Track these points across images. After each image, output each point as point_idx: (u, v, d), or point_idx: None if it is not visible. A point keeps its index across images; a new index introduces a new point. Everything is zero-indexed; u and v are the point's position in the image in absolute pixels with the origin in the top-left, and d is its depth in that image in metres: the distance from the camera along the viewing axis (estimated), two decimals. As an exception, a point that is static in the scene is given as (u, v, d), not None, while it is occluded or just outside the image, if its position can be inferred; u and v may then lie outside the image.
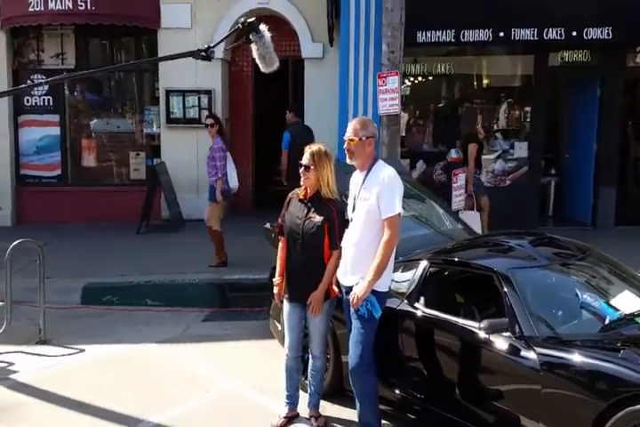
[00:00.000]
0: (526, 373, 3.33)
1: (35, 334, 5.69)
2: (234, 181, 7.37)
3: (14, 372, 5.08)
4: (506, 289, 3.66)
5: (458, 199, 6.73)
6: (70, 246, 8.42)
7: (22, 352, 5.47)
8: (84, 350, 5.51)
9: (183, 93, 9.92)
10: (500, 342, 3.49)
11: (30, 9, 9.24)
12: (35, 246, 5.90)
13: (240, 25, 3.67)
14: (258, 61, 3.70)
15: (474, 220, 7.49)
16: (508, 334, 3.49)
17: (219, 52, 9.42)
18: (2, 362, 5.28)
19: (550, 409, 3.22)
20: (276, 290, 4.23)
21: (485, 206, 7.93)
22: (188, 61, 9.56)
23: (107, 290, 6.83)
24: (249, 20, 3.60)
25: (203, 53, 3.74)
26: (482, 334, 3.57)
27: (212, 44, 3.77)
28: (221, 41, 3.80)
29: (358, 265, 3.82)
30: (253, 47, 3.62)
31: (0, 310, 5.95)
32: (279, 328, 4.94)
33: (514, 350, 3.42)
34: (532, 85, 9.41)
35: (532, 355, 3.33)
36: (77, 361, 5.33)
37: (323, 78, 9.57)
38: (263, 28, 3.58)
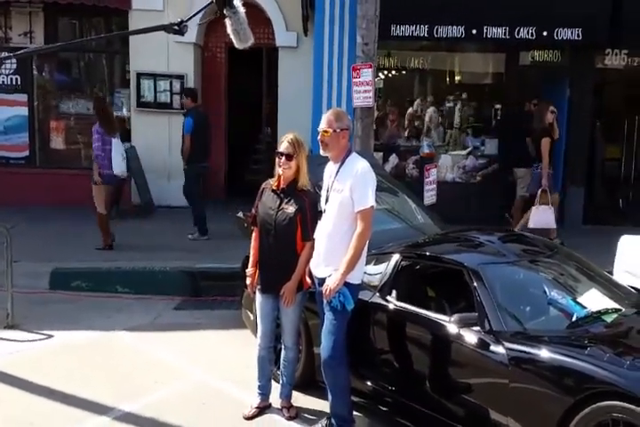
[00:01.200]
0: (495, 367, 3.41)
1: (2, 318, 5.61)
2: (118, 167, 7.47)
3: (-20, 357, 5.02)
4: (476, 284, 3.75)
5: (429, 194, 6.81)
6: (38, 230, 8.29)
7: (-11, 337, 5.41)
8: (52, 336, 5.46)
9: (154, 77, 9.80)
10: (470, 336, 3.57)
11: (-2, -15, 9.02)
12: (2, 229, 5.80)
13: (214, 0, 3.61)
14: (232, 37, 3.67)
15: (549, 215, 7.56)
16: (477, 328, 3.58)
17: (191, 37, 9.32)
18: (-33, 347, 5.22)
19: (518, 404, 3.31)
20: (248, 280, 4.23)
21: (555, 203, 7.92)
22: (159, 44, 9.61)
23: (76, 275, 6.75)
24: None
25: (175, 27, 3.67)
26: (452, 328, 3.65)
27: (184, 19, 3.70)
28: (194, 15, 3.71)
29: (331, 257, 3.86)
30: (227, 22, 3.58)
31: (-35, 295, 5.87)
32: (251, 318, 4.97)
33: (483, 345, 3.50)
34: (502, 83, 9.55)
35: (500, 349, 3.42)
36: (46, 347, 5.28)
37: (297, 67, 9.56)
38: (237, 3, 3.54)
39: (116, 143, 7.49)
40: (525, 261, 4.17)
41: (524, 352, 3.35)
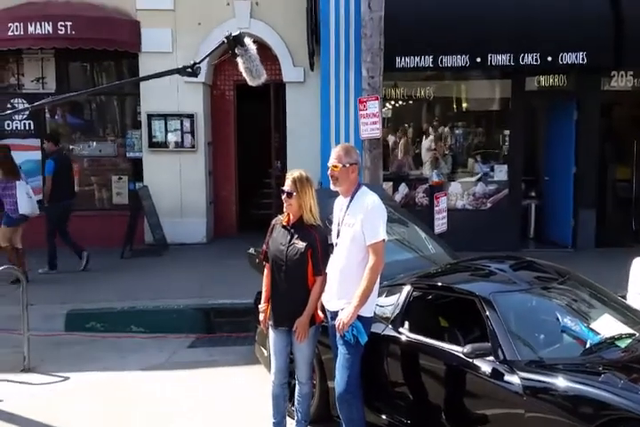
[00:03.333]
0: (510, 397, 3.37)
1: (19, 361, 5.64)
2: (24, 208, 7.89)
3: (-1, 401, 5.04)
4: (488, 313, 3.73)
5: (440, 222, 6.82)
6: (52, 272, 8.37)
7: (7, 380, 5.42)
8: (68, 378, 5.47)
9: (165, 117, 9.97)
10: (484, 367, 3.54)
11: (10, 33, 9.22)
12: (17, 273, 5.88)
13: (225, 39, 3.69)
14: (245, 75, 3.72)
15: None
16: (491, 358, 3.55)
17: (201, 76, 9.51)
18: (-14, 391, 5.24)
19: (535, 434, 3.26)
20: (261, 316, 4.25)
21: None
22: (169, 85, 9.82)
23: (90, 316, 6.79)
24: (234, 34, 3.62)
25: (189, 70, 3.76)
26: (465, 359, 3.62)
27: (196, 61, 3.77)
28: (207, 56, 3.81)
29: (344, 290, 3.87)
30: (239, 61, 3.64)
31: (-17, 339, 5.92)
32: (265, 354, 4.96)
33: (497, 375, 3.47)
34: (509, 109, 9.61)
35: (515, 379, 3.39)
36: (62, 389, 5.29)
37: (304, 101, 9.70)
38: (248, 41, 3.60)
39: (20, 185, 7.90)
40: (537, 289, 4.15)
41: (539, 381, 3.32)
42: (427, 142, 9.98)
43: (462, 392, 3.70)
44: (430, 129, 10.05)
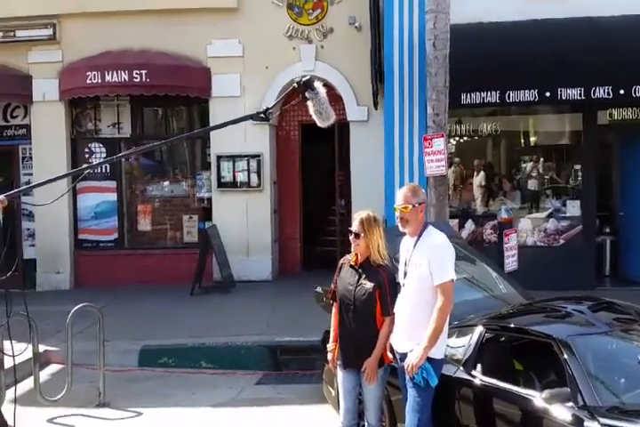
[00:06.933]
0: (590, 444, 3.24)
1: (94, 396, 5.81)
2: None
3: (75, 436, 5.19)
4: (566, 357, 3.60)
5: (510, 260, 6.67)
6: (127, 309, 8.62)
7: (83, 415, 5.58)
8: (141, 414, 5.58)
9: (233, 158, 10.26)
10: (562, 413, 3.40)
11: (88, 81, 9.74)
12: (94, 311, 6.10)
13: (295, 84, 3.81)
14: (314, 117, 3.82)
15: None
16: (570, 403, 3.42)
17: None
18: (64, 425, 5.40)
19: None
20: (329, 356, 4.25)
21: None
22: (237, 126, 9.93)
23: (163, 352, 6.94)
24: (304, 79, 3.74)
25: (262, 115, 3.90)
26: (543, 404, 3.49)
27: (269, 106, 3.91)
28: (278, 101, 3.96)
29: (412, 331, 3.83)
30: (310, 104, 3.74)
31: (61, 373, 6.12)
32: (333, 394, 4.92)
33: (577, 421, 3.32)
34: (581, 143, 9.36)
35: (595, 426, 3.24)
36: (136, 425, 5.40)
37: (368, 140, 9.81)
38: (318, 84, 3.71)
39: None
40: (617, 331, 3.99)
41: (622, 428, 3.17)
42: (494, 178, 9.86)
43: (539, 438, 3.56)
44: (497, 164, 9.94)
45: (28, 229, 10.64)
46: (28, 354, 5.55)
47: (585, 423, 3.29)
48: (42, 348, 6.25)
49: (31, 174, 10.40)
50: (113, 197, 10.65)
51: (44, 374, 6.35)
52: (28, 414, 5.47)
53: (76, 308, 5.79)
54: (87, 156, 10.59)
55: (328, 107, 3.75)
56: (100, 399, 5.80)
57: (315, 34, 10.11)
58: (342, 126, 10.38)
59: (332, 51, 10.08)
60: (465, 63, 7.94)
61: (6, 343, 5.28)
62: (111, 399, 5.83)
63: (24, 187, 6.15)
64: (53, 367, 6.75)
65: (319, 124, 3.89)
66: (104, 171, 10.62)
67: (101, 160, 10.51)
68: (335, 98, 10.02)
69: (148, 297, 8.90)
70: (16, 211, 10.44)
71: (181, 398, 5.92)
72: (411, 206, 3.90)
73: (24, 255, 10.54)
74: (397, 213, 3.94)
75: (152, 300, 9.02)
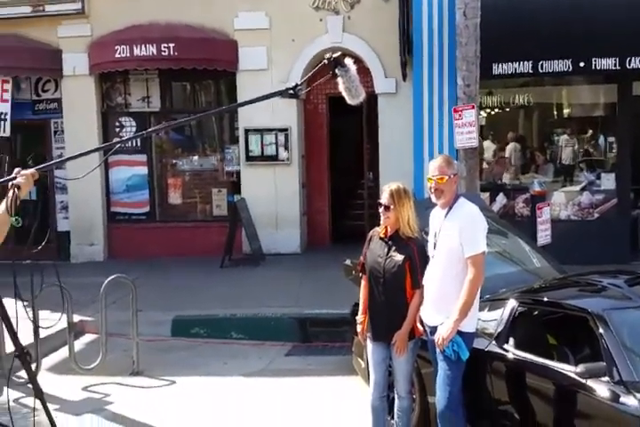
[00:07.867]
0: (626, 420, 3.19)
1: (129, 365, 5.96)
2: None
3: (110, 403, 5.33)
4: (602, 331, 3.54)
5: (543, 234, 6.58)
6: (159, 280, 8.76)
7: (117, 384, 5.73)
8: (174, 382, 5.72)
9: (261, 132, 10.26)
10: (598, 388, 3.36)
11: (117, 55, 9.77)
12: (127, 282, 6.22)
13: (326, 60, 3.78)
14: (344, 94, 3.78)
15: None
16: (605, 378, 3.38)
17: (296, 91, 9.75)
18: (99, 393, 5.56)
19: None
20: (359, 328, 4.26)
21: None
22: (265, 101, 10.06)
23: (194, 323, 7.08)
24: (334, 56, 3.71)
25: (291, 91, 3.88)
26: (577, 379, 3.44)
27: (298, 82, 3.87)
28: (307, 77, 3.94)
29: (442, 304, 3.81)
30: (340, 81, 3.70)
31: (96, 343, 6.30)
32: (362, 366, 4.96)
33: (613, 396, 3.29)
34: (615, 115, 9.16)
35: (631, 401, 3.20)
36: (169, 393, 5.54)
37: (397, 112, 9.70)
38: (348, 61, 3.67)
39: None
40: (655, 305, 3.93)
41: (658, 403, 3.13)
42: (526, 151, 9.71)
43: (573, 414, 3.54)
44: (529, 137, 9.78)
45: (62, 202, 10.79)
46: (63, 324, 5.71)
47: (621, 399, 3.26)
48: (77, 318, 6.42)
49: (63, 148, 10.52)
50: (144, 170, 10.75)
51: (79, 344, 6.52)
52: (63, 383, 5.66)
53: (109, 279, 5.92)
54: (117, 130, 10.67)
55: (358, 84, 3.72)
56: (134, 368, 5.95)
57: (342, 5, 9.96)
58: (370, 99, 10.26)
59: (359, 22, 9.94)
60: (496, 33, 7.77)
61: (42, 313, 5.48)
62: (145, 368, 5.98)
63: (55, 160, 6.25)
64: (88, 337, 6.94)
65: (349, 101, 3.85)
66: (135, 145, 10.70)
67: (132, 135, 10.66)
68: (363, 70, 9.90)
69: (179, 269, 9.03)
70: (49, 184, 10.62)
71: (213, 368, 6.05)
72: (447, 177, 3.84)
73: (58, 228, 10.74)
74: (432, 184, 3.87)
75: (183, 272, 9.16)
